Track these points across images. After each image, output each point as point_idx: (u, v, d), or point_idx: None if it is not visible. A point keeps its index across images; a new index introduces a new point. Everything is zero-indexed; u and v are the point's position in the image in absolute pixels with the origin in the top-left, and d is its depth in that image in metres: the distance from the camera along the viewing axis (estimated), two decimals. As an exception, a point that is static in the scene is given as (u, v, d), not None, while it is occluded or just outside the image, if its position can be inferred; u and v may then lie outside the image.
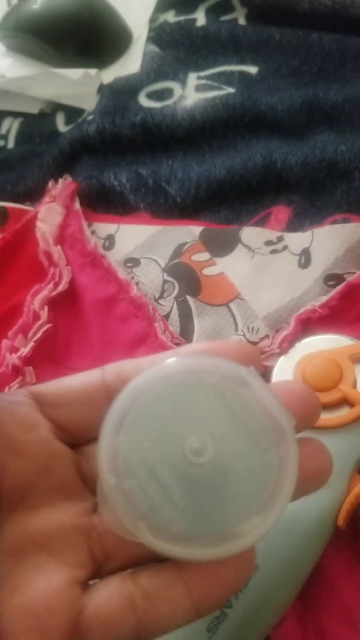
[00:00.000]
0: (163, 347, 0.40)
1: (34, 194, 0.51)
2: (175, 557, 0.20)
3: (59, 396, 0.23)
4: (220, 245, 0.44)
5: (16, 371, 0.40)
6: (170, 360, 0.22)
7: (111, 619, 0.20)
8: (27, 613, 0.20)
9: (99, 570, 0.22)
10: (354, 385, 0.34)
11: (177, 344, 0.40)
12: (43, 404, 0.23)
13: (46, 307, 0.43)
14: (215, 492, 0.20)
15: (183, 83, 0.54)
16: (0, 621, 0.19)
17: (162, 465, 0.20)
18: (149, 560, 0.21)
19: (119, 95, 0.55)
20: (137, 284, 0.44)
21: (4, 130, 0.58)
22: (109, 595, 0.20)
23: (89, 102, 0.56)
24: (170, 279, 0.43)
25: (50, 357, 0.42)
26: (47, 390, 0.24)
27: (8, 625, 0.19)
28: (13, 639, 0.19)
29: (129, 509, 0.20)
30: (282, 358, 0.37)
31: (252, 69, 0.54)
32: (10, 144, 0.57)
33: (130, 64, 0.58)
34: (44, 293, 0.44)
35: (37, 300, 0.43)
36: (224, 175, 0.47)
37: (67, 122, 0.57)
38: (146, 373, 0.21)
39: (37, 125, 0.57)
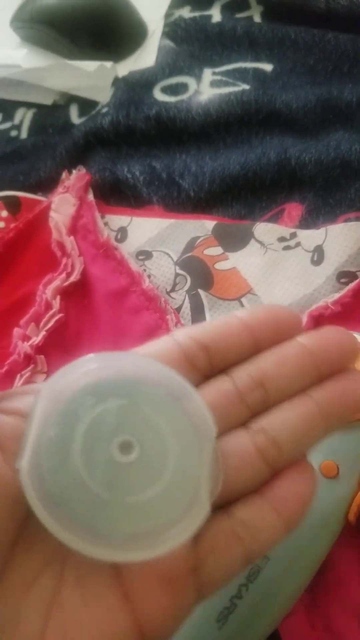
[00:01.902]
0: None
1: (46, 185, 0.52)
2: (90, 557, 0.20)
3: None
4: (233, 240, 0.44)
5: (28, 359, 0.41)
6: (119, 362, 0.22)
7: (223, 556, 0.22)
8: (154, 569, 0.21)
9: None
10: (367, 382, 0.34)
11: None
12: None
13: (58, 297, 0.43)
14: (138, 492, 0.20)
15: (198, 78, 0.55)
16: (128, 579, 0.21)
17: (88, 463, 0.20)
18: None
19: (134, 89, 0.55)
20: (149, 276, 0.44)
21: (17, 121, 0.58)
22: (214, 535, 0.22)
23: (103, 95, 0.56)
24: (182, 272, 0.44)
25: (60, 346, 0.42)
26: None
27: (137, 581, 0.21)
28: (144, 593, 0.21)
29: (47, 502, 0.19)
30: (294, 353, 0.37)
31: (267, 67, 0.54)
32: (23, 134, 0.57)
33: (145, 58, 0.58)
34: (56, 283, 0.44)
35: (49, 289, 0.44)
36: (237, 171, 0.47)
37: (80, 114, 0.57)
38: (88, 368, 0.22)
39: (50, 117, 0.58)
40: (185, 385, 0.22)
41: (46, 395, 0.21)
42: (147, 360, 0.23)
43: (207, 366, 0.24)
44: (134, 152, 0.52)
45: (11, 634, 0.20)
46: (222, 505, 0.22)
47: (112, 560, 0.20)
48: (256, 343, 0.24)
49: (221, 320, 0.25)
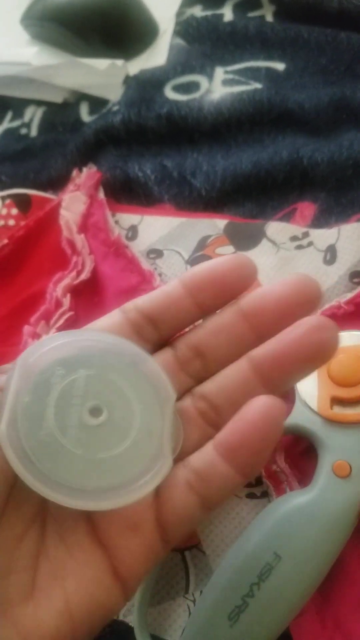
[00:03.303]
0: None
1: (56, 183, 0.51)
2: (66, 504, 0.22)
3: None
4: (244, 239, 0.44)
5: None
6: (82, 337, 0.25)
7: (179, 505, 0.24)
8: (121, 517, 0.24)
9: None
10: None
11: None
12: None
13: (68, 295, 0.43)
14: (108, 449, 0.23)
15: (210, 77, 0.54)
16: (100, 528, 0.24)
17: (61, 425, 0.23)
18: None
19: (145, 87, 0.55)
20: (160, 275, 0.44)
21: (27, 119, 0.58)
22: (171, 486, 0.24)
23: (114, 93, 0.56)
24: (193, 271, 0.43)
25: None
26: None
27: (108, 528, 0.24)
28: (114, 538, 0.24)
29: (25, 460, 0.22)
30: (306, 353, 0.37)
31: (280, 66, 0.54)
32: (33, 132, 0.57)
33: (156, 56, 0.58)
34: (66, 281, 0.44)
35: (59, 287, 0.43)
36: (249, 170, 0.47)
37: (90, 112, 0.57)
38: (56, 344, 0.24)
39: (60, 115, 0.58)
40: (142, 352, 0.25)
41: (20, 367, 0.23)
42: (106, 334, 0.25)
43: (155, 336, 0.26)
44: (145, 150, 0.51)
45: (5, 584, 0.22)
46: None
47: (86, 508, 0.22)
48: (200, 307, 0.26)
49: (165, 289, 0.27)
